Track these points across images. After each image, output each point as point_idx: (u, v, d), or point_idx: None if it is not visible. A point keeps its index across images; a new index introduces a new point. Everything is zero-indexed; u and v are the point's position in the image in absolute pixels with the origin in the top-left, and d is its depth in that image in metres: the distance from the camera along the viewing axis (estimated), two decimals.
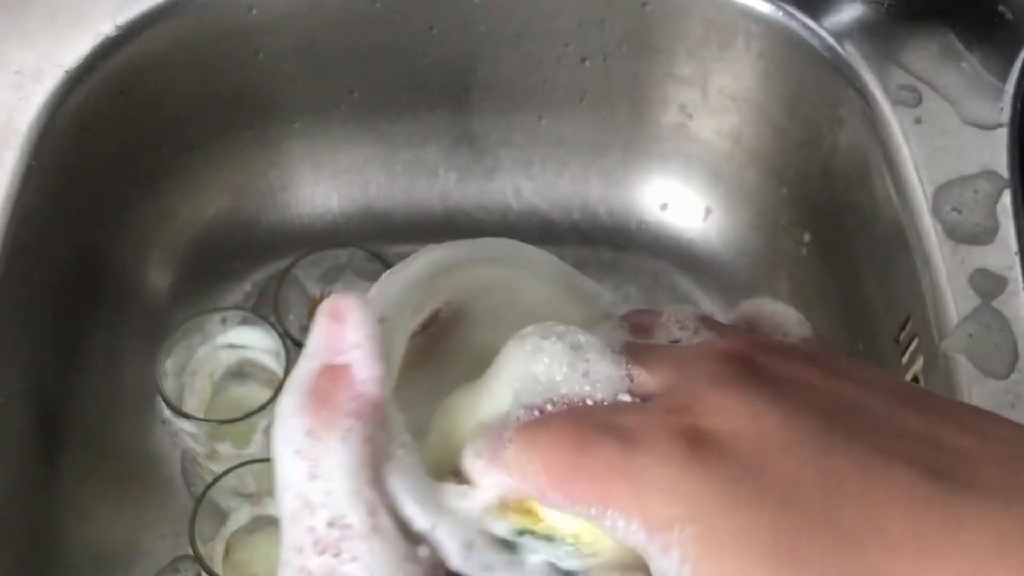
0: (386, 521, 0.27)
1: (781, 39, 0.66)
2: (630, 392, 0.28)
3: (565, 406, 0.28)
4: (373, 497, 0.27)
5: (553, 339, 0.29)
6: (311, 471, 0.27)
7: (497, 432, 0.28)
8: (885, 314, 0.62)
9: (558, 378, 0.29)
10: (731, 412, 0.26)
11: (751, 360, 0.28)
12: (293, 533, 0.27)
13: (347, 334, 0.29)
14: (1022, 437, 0.27)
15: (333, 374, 0.28)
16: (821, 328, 0.72)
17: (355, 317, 0.29)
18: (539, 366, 0.29)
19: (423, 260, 0.32)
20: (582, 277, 0.36)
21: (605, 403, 0.28)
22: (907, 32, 0.64)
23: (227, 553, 0.60)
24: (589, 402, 0.28)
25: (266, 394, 0.61)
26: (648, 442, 0.26)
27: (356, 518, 0.27)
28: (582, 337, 0.29)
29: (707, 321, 0.32)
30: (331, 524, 0.27)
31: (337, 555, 0.27)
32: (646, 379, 0.29)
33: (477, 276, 0.33)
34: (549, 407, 0.28)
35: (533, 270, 0.35)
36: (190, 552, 0.57)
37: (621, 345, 0.30)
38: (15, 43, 0.62)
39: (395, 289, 0.31)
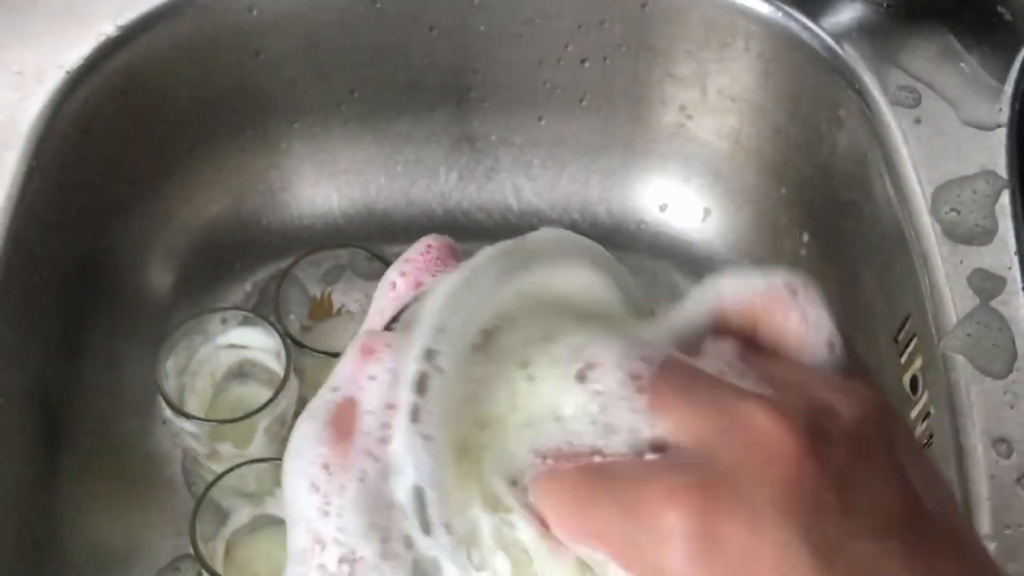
0: (399, 546, 0.26)
1: (780, 39, 0.66)
2: (650, 445, 0.26)
3: (578, 453, 0.27)
4: (387, 522, 0.26)
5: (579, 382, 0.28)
6: (323, 508, 0.26)
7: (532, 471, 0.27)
8: (884, 314, 0.62)
9: (579, 428, 0.27)
10: (764, 554, 0.24)
11: (808, 482, 0.25)
12: (301, 570, 0.27)
13: (372, 370, 0.28)
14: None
15: (355, 408, 0.28)
16: None
17: (386, 355, 0.28)
18: (566, 409, 0.27)
19: (486, 275, 0.29)
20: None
21: (623, 454, 0.27)
22: (906, 33, 0.64)
23: (228, 552, 0.60)
24: (604, 452, 0.27)
25: (267, 394, 0.61)
26: (650, 519, 0.25)
27: (368, 551, 0.26)
28: (608, 375, 0.27)
29: (749, 355, 0.29)
30: (342, 560, 0.26)
31: None
32: (669, 429, 0.26)
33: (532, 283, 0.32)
34: (565, 448, 0.27)
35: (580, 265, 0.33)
36: (191, 551, 0.57)
37: (653, 373, 0.27)
38: (16, 43, 0.62)
39: (461, 310, 0.28)
